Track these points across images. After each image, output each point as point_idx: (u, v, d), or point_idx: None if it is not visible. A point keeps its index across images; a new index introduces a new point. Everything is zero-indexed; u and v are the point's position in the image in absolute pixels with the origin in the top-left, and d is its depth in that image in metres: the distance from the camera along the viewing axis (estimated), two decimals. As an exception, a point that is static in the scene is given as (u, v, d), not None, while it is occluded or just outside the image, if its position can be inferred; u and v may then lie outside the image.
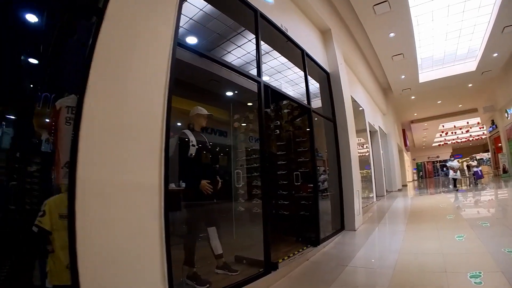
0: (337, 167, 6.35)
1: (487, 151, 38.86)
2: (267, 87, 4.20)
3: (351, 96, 8.45)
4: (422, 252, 3.78)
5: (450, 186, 15.96)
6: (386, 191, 15.29)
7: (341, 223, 6.15)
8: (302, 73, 5.92)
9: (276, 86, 4.75)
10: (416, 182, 29.91)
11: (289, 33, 5.20)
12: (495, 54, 13.76)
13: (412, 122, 26.82)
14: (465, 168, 38.20)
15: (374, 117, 12.88)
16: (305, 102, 5.62)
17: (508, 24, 11.49)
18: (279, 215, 5.85)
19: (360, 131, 10.26)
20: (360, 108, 10.04)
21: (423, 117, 25.58)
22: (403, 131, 26.28)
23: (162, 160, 2.19)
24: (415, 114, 24.82)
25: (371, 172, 10.35)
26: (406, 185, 22.14)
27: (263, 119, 3.91)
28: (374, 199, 10.18)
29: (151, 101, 2.23)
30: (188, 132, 3.42)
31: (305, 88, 5.71)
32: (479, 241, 3.92)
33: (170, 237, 2.17)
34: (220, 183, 3.60)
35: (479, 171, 13.12)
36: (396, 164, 16.87)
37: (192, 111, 3.58)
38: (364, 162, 10.48)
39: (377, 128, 13.15)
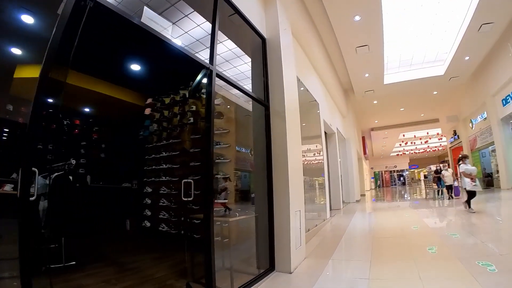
0: (266, 174, 4.21)
1: (442, 162, 39.72)
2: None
3: (301, 81, 6.46)
4: None
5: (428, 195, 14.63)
6: (343, 202, 13.58)
7: (270, 260, 4.00)
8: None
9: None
10: (373, 192, 29.04)
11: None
12: (467, 58, 12.68)
13: (372, 129, 25.94)
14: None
15: (332, 117, 11.08)
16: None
17: (486, 22, 10.28)
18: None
19: (311, 129, 8.30)
20: (312, 101, 8.06)
21: (384, 125, 24.82)
22: (363, 138, 25.25)
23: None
24: (376, 121, 23.89)
25: (324, 181, 8.38)
26: (364, 195, 20.85)
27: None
28: (328, 215, 8.22)
29: None
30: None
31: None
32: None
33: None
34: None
35: (458, 187, 11.68)
36: (355, 172, 15.29)
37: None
38: (318, 171, 8.52)
39: (335, 130, 11.35)
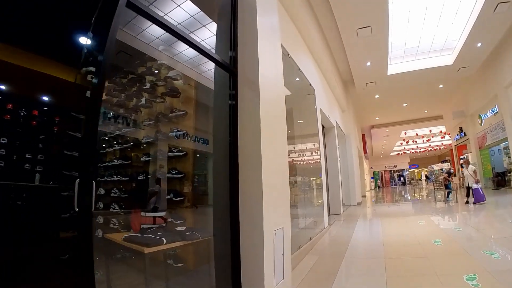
0: (229, 175, 2.81)
1: (444, 161, 38.45)
2: None
3: (291, 56, 5.09)
4: None
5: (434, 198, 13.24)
6: (343, 205, 12.18)
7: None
8: None
9: None
10: (374, 192, 27.65)
11: None
12: (479, 44, 11.27)
13: (373, 127, 24.63)
14: (424, 178, 37.48)
15: (330, 108, 9.68)
16: None
17: (504, 0, 8.94)
18: None
19: (305, 119, 6.89)
20: (308, 86, 6.66)
21: (385, 122, 23.50)
22: (363, 136, 23.91)
23: None
24: (377, 118, 22.54)
25: (322, 182, 6.95)
26: (365, 196, 19.47)
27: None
28: (325, 223, 6.81)
29: None
30: None
31: None
32: None
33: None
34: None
35: (480, 189, 9.67)
36: (356, 172, 13.90)
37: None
38: (315, 170, 7.12)
39: (334, 123, 9.95)
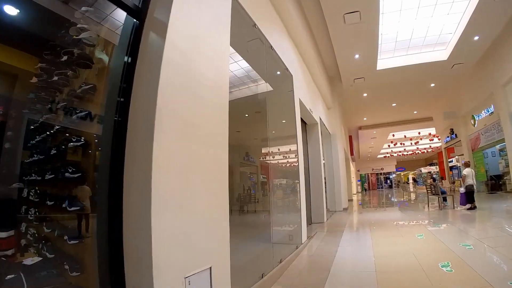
0: (108, 175, 1.58)
1: (431, 164, 38.08)
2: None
3: (259, 29, 3.91)
4: None
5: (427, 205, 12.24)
6: (328, 211, 11.05)
7: None
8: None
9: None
10: (360, 196, 26.73)
11: None
12: (476, 37, 10.36)
13: (360, 128, 23.72)
14: (411, 181, 36.92)
15: (313, 102, 8.54)
16: None
17: (506, -16, 8.04)
18: None
19: (279, 109, 5.72)
20: (283, 69, 5.48)
21: (373, 123, 22.65)
22: (350, 137, 22.98)
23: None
24: (365, 119, 21.67)
25: (299, 188, 5.71)
26: (351, 200, 18.44)
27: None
28: (303, 237, 5.60)
29: None
30: None
31: None
32: None
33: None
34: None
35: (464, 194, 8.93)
36: (342, 175, 12.80)
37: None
38: (290, 173, 5.93)
39: (317, 119, 8.81)
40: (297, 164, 5.66)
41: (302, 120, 8.34)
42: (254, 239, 5.85)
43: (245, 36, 4.46)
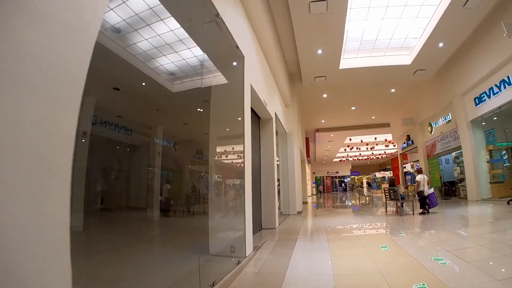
0: None
1: (384, 169, 39.57)
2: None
3: None
4: None
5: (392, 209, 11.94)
6: (281, 214, 10.33)
7: None
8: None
9: None
10: (315, 198, 26.66)
11: None
12: (441, 44, 10.33)
13: (317, 130, 23.60)
14: (365, 185, 37.96)
15: (269, 94, 7.72)
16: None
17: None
18: None
19: (230, 93, 4.79)
20: (233, 47, 4.54)
21: (331, 126, 22.66)
22: (307, 139, 22.73)
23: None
24: (323, 121, 21.56)
25: (244, 190, 4.77)
26: (306, 202, 18.04)
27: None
28: (249, 249, 4.70)
29: None
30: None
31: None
32: None
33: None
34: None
35: (433, 195, 8.89)
36: (298, 176, 12.20)
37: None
38: (235, 170, 5.00)
39: (272, 114, 8.01)
40: (242, 160, 4.73)
41: (255, 113, 7.48)
42: (185, 250, 4.82)
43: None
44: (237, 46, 4.74)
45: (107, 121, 8.64)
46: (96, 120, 7.99)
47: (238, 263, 4.01)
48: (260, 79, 6.54)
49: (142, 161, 10.98)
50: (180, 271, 3.80)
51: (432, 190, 9.28)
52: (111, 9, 5.30)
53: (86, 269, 3.65)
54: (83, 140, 6.45)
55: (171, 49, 6.74)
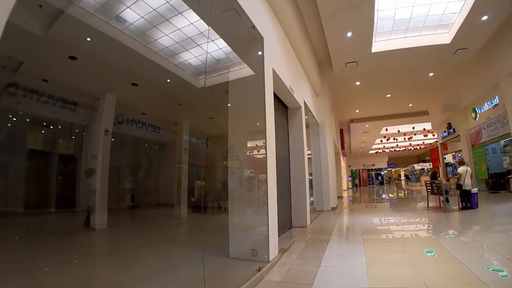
0: None
1: (423, 161, 37.12)
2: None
3: None
4: None
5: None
6: (314, 210, 9.70)
7: None
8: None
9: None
10: (351, 192, 25.47)
11: None
12: (485, 17, 8.94)
13: (352, 121, 22.40)
14: (403, 177, 35.88)
15: (295, 80, 7.08)
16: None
17: None
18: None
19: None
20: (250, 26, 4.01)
21: (366, 116, 21.36)
22: (341, 131, 21.67)
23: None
24: (357, 111, 20.33)
25: (267, 185, 4.24)
26: (341, 197, 17.14)
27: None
28: (272, 253, 4.18)
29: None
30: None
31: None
32: None
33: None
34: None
35: (476, 196, 7.83)
36: (332, 170, 11.42)
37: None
38: (257, 164, 4.49)
39: (301, 103, 7.39)
40: (264, 151, 4.20)
41: (281, 102, 6.91)
42: (202, 253, 4.39)
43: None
44: (254, 27, 4.20)
45: (133, 119, 8.61)
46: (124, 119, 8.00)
47: (259, 270, 3.51)
48: (283, 63, 5.94)
49: (170, 158, 10.87)
50: (185, 281, 3.37)
51: (476, 189, 8.22)
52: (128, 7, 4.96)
53: (87, 270, 3.36)
54: (112, 140, 6.37)
55: (193, 43, 6.36)
